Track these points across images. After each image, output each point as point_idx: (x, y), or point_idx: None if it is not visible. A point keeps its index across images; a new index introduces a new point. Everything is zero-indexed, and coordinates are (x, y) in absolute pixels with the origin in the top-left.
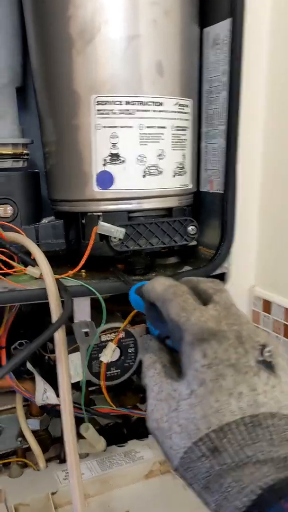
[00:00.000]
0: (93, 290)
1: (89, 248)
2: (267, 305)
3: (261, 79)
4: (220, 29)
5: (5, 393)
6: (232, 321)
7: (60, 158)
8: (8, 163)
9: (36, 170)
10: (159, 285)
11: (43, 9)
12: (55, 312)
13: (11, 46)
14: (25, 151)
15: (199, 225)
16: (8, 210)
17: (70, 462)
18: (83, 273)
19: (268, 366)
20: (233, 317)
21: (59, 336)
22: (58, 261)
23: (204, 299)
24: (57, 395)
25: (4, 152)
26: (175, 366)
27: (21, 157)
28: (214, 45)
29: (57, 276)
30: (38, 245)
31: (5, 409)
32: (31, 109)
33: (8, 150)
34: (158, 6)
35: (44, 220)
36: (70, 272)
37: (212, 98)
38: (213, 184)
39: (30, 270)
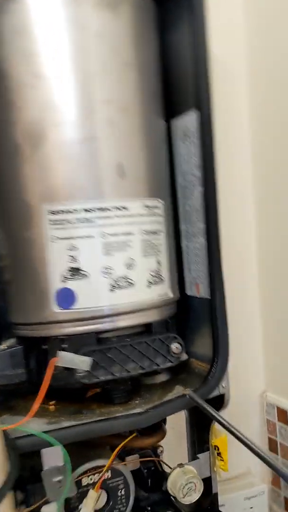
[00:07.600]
0: (53, 441)
1: (45, 385)
2: (282, 414)
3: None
4: (188, 121)
5: None
6: None
7: (14, 274)
8: None
9: None
10: None
11: None
12: None
13: None
14: None
15: (188, 334)
16: None
17: None
18: (51, 406)
19: None
20: None
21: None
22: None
23: None
24: None
25: None
26: None
27: None
28: (184, 137)
29: (5, 428)
30: None
31: None
32: None
33: None
34: (113, 104)
35: (3, 345)
36: (21, 422)
37: (187, 193)
38: (199, 288)
39: None
